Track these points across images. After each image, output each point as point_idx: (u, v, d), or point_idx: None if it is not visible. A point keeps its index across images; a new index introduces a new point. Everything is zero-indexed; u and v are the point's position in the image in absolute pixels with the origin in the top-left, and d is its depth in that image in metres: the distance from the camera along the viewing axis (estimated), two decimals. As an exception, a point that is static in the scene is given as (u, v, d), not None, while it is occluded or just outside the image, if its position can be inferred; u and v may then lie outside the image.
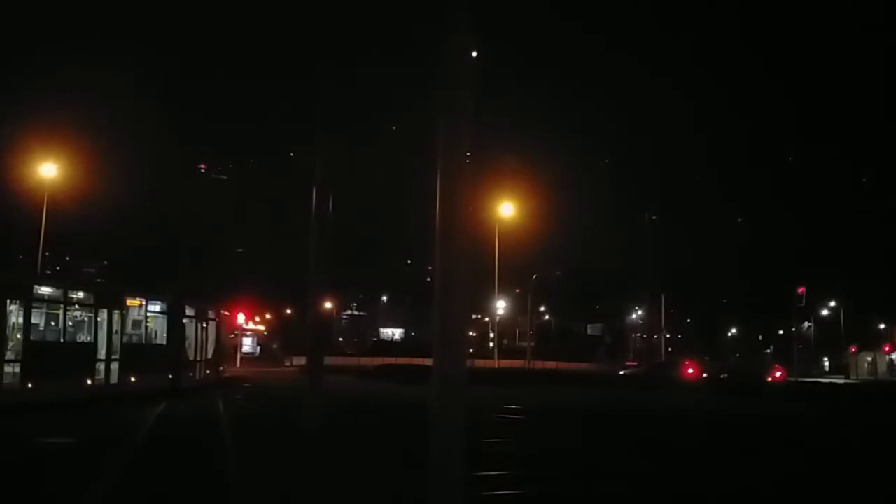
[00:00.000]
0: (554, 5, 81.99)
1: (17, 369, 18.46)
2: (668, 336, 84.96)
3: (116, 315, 22.86)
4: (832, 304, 79.61)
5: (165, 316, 25.86)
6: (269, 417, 19.68)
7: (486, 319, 78.41)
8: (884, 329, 79.69)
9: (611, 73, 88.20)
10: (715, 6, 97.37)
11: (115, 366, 22.26)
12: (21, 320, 18.87)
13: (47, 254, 42.83)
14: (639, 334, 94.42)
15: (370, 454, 12.98)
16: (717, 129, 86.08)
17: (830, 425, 22.95)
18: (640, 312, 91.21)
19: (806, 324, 78.77)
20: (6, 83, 58.54)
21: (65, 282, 29.73)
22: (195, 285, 47.63)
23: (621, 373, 50.16)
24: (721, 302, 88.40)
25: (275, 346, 74.03)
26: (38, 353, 19.11)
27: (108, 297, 23.10)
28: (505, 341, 67.61)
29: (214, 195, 76.43)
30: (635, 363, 65.37)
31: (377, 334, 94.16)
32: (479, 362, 49.52)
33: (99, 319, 21.92)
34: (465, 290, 5.58)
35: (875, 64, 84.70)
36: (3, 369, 18.05)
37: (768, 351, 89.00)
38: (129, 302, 24.23)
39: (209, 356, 30.58)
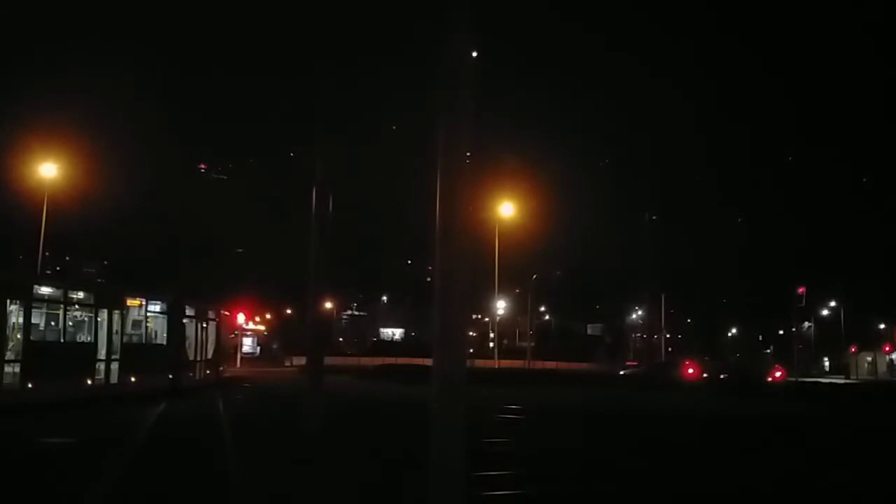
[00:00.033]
0: (554, 5, 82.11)
1: (17, 369, 18.46)
2: (668, 336, 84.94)
3: (116, 315, 22.86)
4: (832, 304, 79.61)
5: (165, 316, 25.86)
6: (269, 417, 19.68)
7: (486, 319, 78.43)
8: (884, 329, 79.68)
9: (611, 73, 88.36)
10: (715, 6, 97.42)
11: (115, 366, 22.26)
12: (21, 320, 18.87)
13: (47, 254, 42.80)
14: (639, 334, 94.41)
15: (370, 454, 12.98)
16: (717, 129, 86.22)
17: (830, 425, 22.94)
18: (640, 312, 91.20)
19: (806, 324, 78.73)
20: (6, 83, 58.63)
21: (65, 282, 29.74)
22: (195, 285, 47.64)
23: (621, 373, 50.15)
24: (721, 302, 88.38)
25: (275, 346, 74.05)
26: (38, 353, 19.11)
27: (108, 297, 23.10)
28: (505, 341, 67.60)
29: (214, 195, 76.35)
30: (635, 363, 65.31)
31: (377, 334, 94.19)
32: (479, 362, 49.54)
33: (99, 319, 21.92)
34: (465, 290, 5.58)
35: (875, 64, 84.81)
36: (3, 369, 18.04)
37: (768, 351, 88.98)
38: (129, 302, 24.23)
39: (209, 356, 30.58)
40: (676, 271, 76.95)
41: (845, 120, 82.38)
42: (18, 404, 17.52)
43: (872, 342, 79.03)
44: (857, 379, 68.36)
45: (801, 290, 56.98)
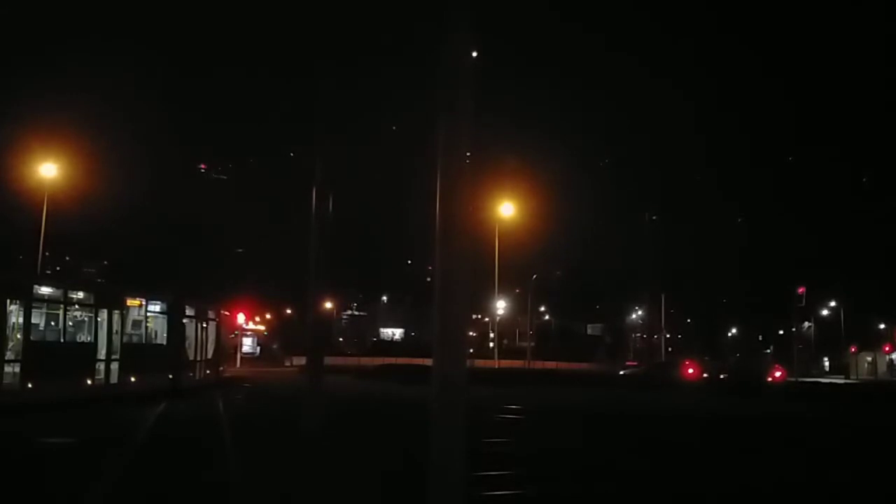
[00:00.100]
0: (554, 5, 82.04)
1: (17, 369, 18.46)
2: (668, 336, 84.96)
3: (116, 315, 22.86)
4: (832, 304, 79.63)
5: (165, 316, 25.86)
6: (269, 417, 19.68)
7: (486, 319, 78.42)
8: (884, 329, 79.70)
9: (611, 73, 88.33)
10: (715, 6, 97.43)
11: (115, 366, 22.27)
12: (21, 320, 18.87)
13: (47, 254, 42.82)
14: (639, 334, 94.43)
15: (370, 454, 12.98)
16: (717, 129, 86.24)
17: (830, 425, 22.94)
18: (640, 312, 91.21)
19: (806, 324, 78.76)
20: (6, 83, 58.63)
21: (65, 282, 29.73)
22: (195, 285, 47.64)
23: (621, 373, 50.16)
24: (721, 302, 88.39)
25: (275, 346, 74.04)
26: (38, 353, 19.11)
27: (108, 297, 23.11)
28: (505, 341, 67.61)
29: (214, 195, 76.39)
30: (635, 363, 65.35)
31: (377, 334, 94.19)
32: (479, 362, 49.51)
33: (99, 319, 21.92)
34: (465, 290, 5.58)
35: (875, 64, 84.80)
36: (3, 369, 18.04)
37: (768, 351, 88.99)
38: (129, 302, 24.24)
39: (209, 356, 30.58)
40: (676, 271, 76.98)
41: (845, 120, 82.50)
42: (18, 404, 17.52)
43: (872, 342, 79.05)
44: (857, 379, 68.38)
45: (801, 290, 57.07)
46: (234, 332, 50.42)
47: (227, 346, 39.93)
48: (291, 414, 16.18)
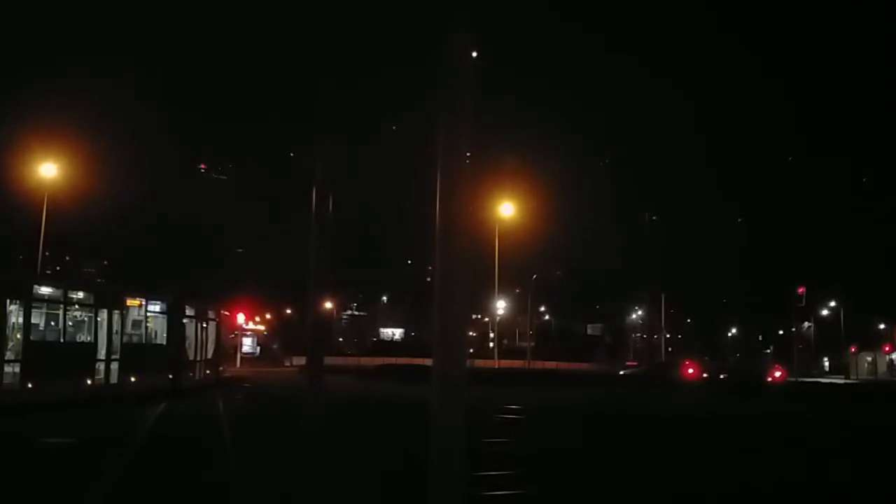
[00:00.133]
0: (554, 5, 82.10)
1: (17, 369, 18.45)
2: (668, 336, 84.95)
3: (116, 315, 22.86)
4: (832, 304, 79.62)
5: (165, 316, 25.86)
6: (269, 417, 19.67)
7: (486, 319, 78.42)
8: (884, 329, 79.70)
9: (611, 73, 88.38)
10: (715, 6, 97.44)
11: (115, 366, 22.26)
12: (21, 320, 18.87)
13: (47, 254, 42.82)
14: (639, 334, 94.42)
15: (370, 454, 12.98)
16: (717, 129, 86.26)
17: (830, 425, 22.94)
18: (640, 312, 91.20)
19: (806, 324, 78.76)
20: (6, 83, 58.63)
21: (65, 282, 29.73)
22: (195, 285, 47.63)
23: (621, 373, 50.15)
24: (721, 302, 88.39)
25: (275, 346, 74.04)
26: (38, 353, 19.11)
27: (108, 297, 23.10)
28: (505, 341, 67.62)
29: (214, 195, 76.41)
30: (635, 363, 65.35)
31: (377, 334, 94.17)
32: (479, 362, 49.52)
33: (99, 319, 21.92)
34: (465, 290, 5.58)
35: (875, 64, 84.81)
36: (3, 369, 18.04)
37: (768, 351, 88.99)
38: (129, 302, 24.24)
39: (209, 356, 30.58)
40: (676, 271, 76.97)
41: (845, 120, 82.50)
42: (18, 404, 17.52)
43: (872, 342, 79.05)
44: (857, 379, 68.38)
45: (801, 290, 57.09)
46: (234, 332, 50.41)
47: (227, 346, 39.93)
48: (291, 414, 16.18)
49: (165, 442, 14.63)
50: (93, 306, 21.96)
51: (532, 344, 59.06)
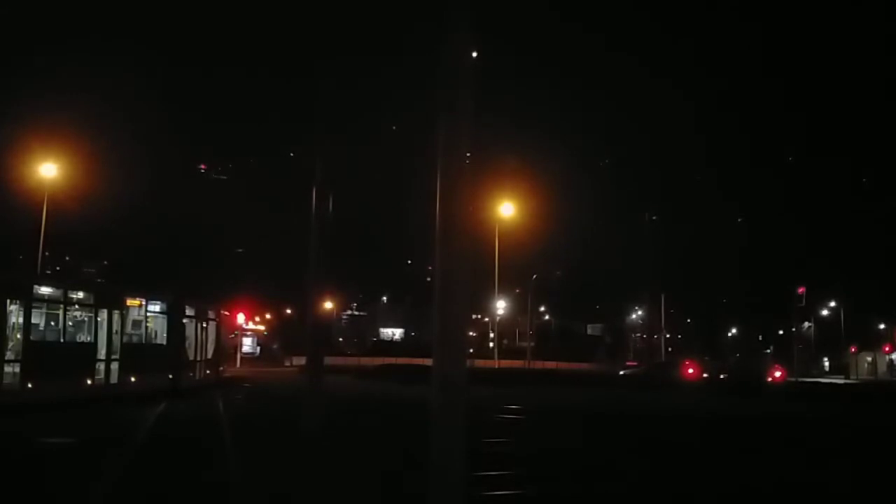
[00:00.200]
0: (554, 5, 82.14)
1: (17, 369, 18.45)
2: (668, 336, 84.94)
3: (116, 315, 22.86)
4: (832, 304, 79.61)
5: (165, 316, 25.85)
6: (269, 417, 19.68)
7: (486, 319, 78.41)
8: (884, 329, 79.71)
9: (611, 73, 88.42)
10: (715, 6, 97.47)
11: (115, 366, 22.26)
12: (21, 320, 18.87)
13: (47, 254, 42.81)
14: (639, 334, 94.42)
15: (370, 454, 12.98)
16: (717, 129, 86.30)
17: (830, 425, 22.94)
18: (640, 312, 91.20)
19: (806, 324, 78.75)
20: (6, 83, 58.67)
21: (65, 282, 29.72)
22: (195, 285, 47.62)
23: (621, 373, 50.14)
24: (721, 302, 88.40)
25: (275, 346, 74.02)
26: (38, 353, 19.11)
27: (108, 297, 23.10)
28: (505, 341, 67.61)
29: (214, 195, 76.39)
30: (635, 363, 65.36)
31: (377, 334, 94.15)
32: (479, 362, 49.52)
33: (99, 319, 21.92)
34: (465, 290, 5.59)
35: (875, 64, 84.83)
36: (3, 369, 18.04)
37: (768, 351, 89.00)
38: (129, 302, 24.23)
39: (209, 356, 30.58)
40: (676, 271, 76.96)
41: (845, 120, 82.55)
42: (18, 404, 17.52)
43: (872, 342, 79.05)
44: (857, 379, 68.38)
45: (801, 290, 57.08)
46: (234, 332, 50.41)
47: (227, 346, 39.92)
48: (291, 414, 16.18)
49: (165, 442, 14.63)
50: (93, 306, 21.96)
51: (532, 344, 59.05)
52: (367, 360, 58.24)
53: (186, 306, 28.03)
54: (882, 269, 68.83)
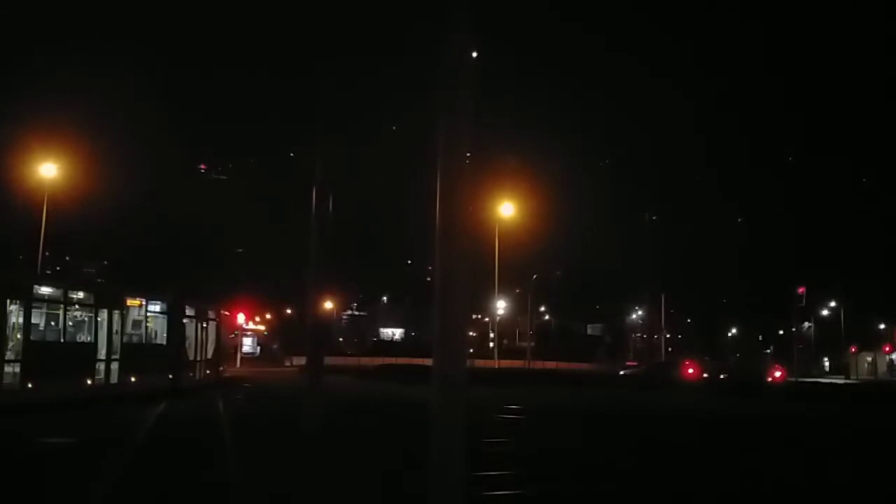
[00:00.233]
0: (554, 5, 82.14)
1: (17, 369, 18.45)
2: (668, 336, 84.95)
3: (116, 315, 22.85)
4: (832, 304, 79.62)
5: (165, 316, 25.85)
6: (269, 417, 19.67)
7: (486, 319, 78.40)
8: (884, 329, 79.73)
9: (611, 73, 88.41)
10: (715, 6, 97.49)
11: (115, 366, 22.26)
12: (21, 320, 18.86)
13: (47, 254, 42.81)
14: (639, 334, 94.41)
15: (370, 454, 12.98)
16: (717, 129, 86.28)
17: (830, 425, 22.94)
18: (640, 312, 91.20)
19: (806, 324, 78.76)
20: (6, 83, 58.67)
21: (65, 282, 29.72)
22: (195, 285, 47.63)
23: (621, 373, 50.14)
24: (721, 302, 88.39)
25: (275, 346, 74.01)
26: (38, 353, 19.10)
27: (108, 297, 23.10)
28: (505, 341, 67.60)
29: (214, 195, 76.39)
30: (635, 363, 65.35)
31: (377, 334, 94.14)
32: (479, 362, 49.52)
33: (99, 319, 21.91)
34: (465, 290, 5.59)
35: (875, 64, 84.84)
36: (3, 369, 18.03)
37: (768, 351, 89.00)
38: (129, 302, 24.22)
39: (209, 356, 30.57)
40: (676, 271, 76.97)
41: (845, 120, 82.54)
42: (18, 404, 17.51)
43: (872, 342, 79.06)
44: (857, 379, 68.38)
45: (801, 290, 57.10)
46: (234, 332, 50.40)
47: (227, 346, 39.91)
48: (291, 414, 16.18)
49: (165, 442, 14.63)
50: (93, 306, 21.96)
51: (532, 344, 59.05)
52: (367, 360, 58.24)
53: (186, 306, 28.03)
54: (882, 269, 68.84)
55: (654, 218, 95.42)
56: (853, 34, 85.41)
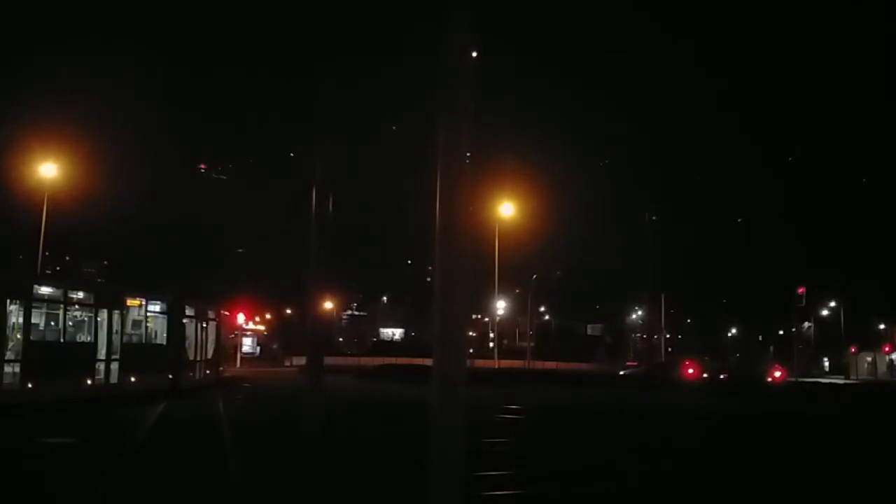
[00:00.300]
0: (554, 5, 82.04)
1: (17, 369, 18.45)
2: (668, 336, 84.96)
3: (116, 315, 22.85)
4: (832, 304, 79.63)
5: (165, 316, 25.85)
6: (269, 417, 19.67)
7: (486, 319, 78.40)
8: (884, 329, 79.75)
9: (611, 73, 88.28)
10: (715, 6, 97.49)
11: (115, 366, 22.26)
12: (21, 320, 18.87)
13: (47, 254, 42.81)
14: (639, 334, 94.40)
15: (370, 454, 12.98)
16: (717, 129, 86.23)
17: (830, 425, 22.95)
18: (640, 312, 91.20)
19: (806, 324, 78.74)
20: (6, 83, 58.64)
21: (65, 282, 29.71)
22: (195, 285, 47.62)
23: (621, 373, 50.17)
24: (721, 302, 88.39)
25: (275, 346, 73.99)
26: (38, 353, 19.10)
27: (108, 297, 23.10)
28: (505, 341, 67.60)
29: (214, 195, 76.37)
30: (635, 363, 65.37)
31: (377, 334, 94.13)
32: (479, 362, 49.52)
33: (99, 319, 21.92)
34: (465, 290, 5.59)
35: (875, 64, 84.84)
36: (3, 369, 18.04)
37: (769, 351, 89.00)
38: (129, 302, 24.23)
39: (209, 356, 30.57)
40: (676, 271, 76.97)
41: (845, 120, 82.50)
42: (18, 404, 17.52)
43: (872, 342, 79.08)
44: (857, 379, 68.41)
45: (801, 290, 57.08)
46: (234, 332, 50.42)
47: (227, 346, 39.92)
48: (291, 414, 16.19)
49: (165, 442, 14.63)
50: (93, 306, 21.96)
51: (532, 344, 59.05)
52: (367, 361, 58.26)
53: (186, 306, 28.03)
54: (882, 269, 68.82)
55: (654, 218, 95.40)
56: (853, 34, 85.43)
